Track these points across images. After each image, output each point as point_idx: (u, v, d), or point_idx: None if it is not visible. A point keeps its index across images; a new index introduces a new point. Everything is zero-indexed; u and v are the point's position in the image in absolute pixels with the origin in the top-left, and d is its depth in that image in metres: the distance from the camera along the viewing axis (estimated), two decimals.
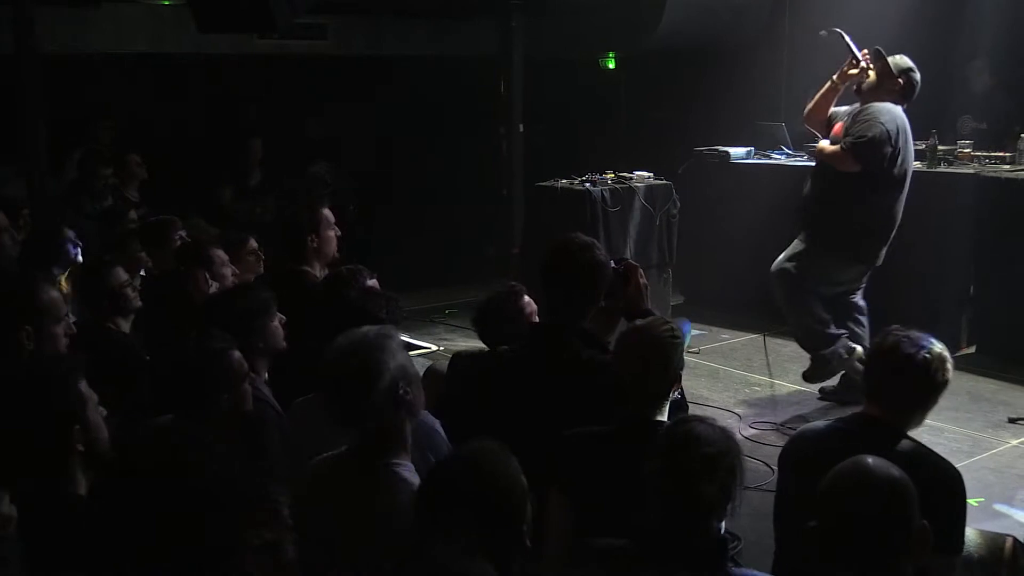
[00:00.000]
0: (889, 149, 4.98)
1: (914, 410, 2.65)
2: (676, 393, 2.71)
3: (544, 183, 6.68)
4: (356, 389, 2.32)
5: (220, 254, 4.11)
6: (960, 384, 5.46)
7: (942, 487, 2.50)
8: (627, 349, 2.69)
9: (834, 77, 5.20)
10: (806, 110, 5.35)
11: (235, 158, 7.72)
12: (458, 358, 3.53)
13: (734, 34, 8.24)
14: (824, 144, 5.18)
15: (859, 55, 5.07)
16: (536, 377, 2.99)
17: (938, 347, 2.64)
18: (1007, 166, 6.28)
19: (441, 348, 6.29)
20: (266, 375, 3.23)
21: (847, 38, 5.10)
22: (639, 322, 2.80)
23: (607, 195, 6.37)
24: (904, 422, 2.64)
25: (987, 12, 7.28)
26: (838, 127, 5.15)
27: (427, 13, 8.95)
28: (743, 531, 3.02)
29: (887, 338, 2.66)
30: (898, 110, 5.04)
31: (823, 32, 5.21)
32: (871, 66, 5.07)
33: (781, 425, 5.12)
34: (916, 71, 5.06)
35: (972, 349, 6.15)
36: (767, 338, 6.24)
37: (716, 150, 7.18)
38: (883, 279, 6.25)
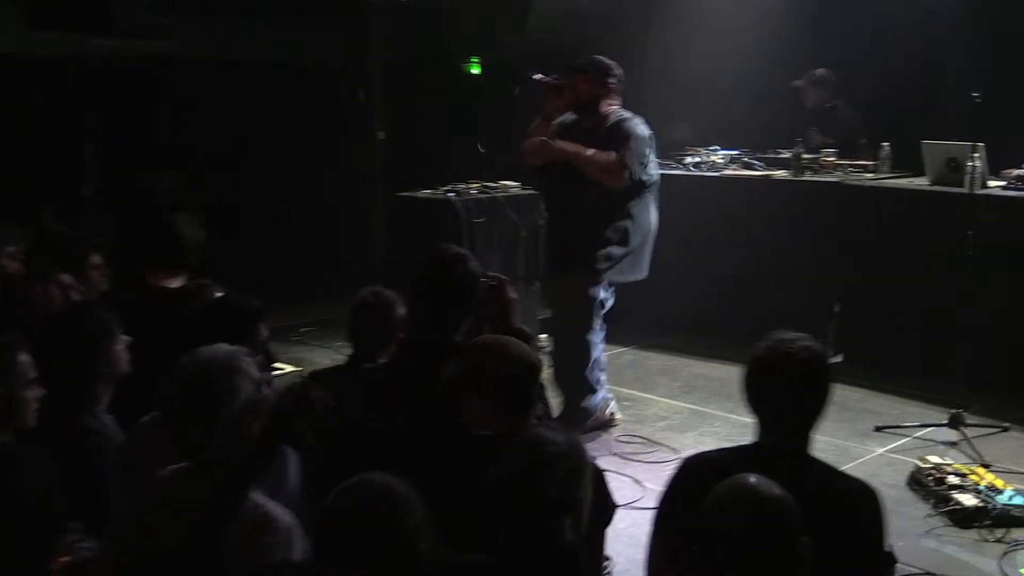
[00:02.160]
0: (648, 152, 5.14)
1: (813, 419, 2.58)
2: (539, 410, 2.75)
3: (406, 193, 6.67)
4: (198, 419, 2.25)
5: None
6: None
7: (860, 505, 2.50)
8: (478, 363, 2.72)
9: (544, 113, 5.15)
10: (525, 152, 5.24)
11: (65, 168, 7.43)
12: (315, 377, 3.49)
13: (604, 42, 8.40)
14: (584, 150, 5.04)
15: (552, 80, 5.11)
16: (402, 398, 2.98)
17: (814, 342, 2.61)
18: (870, 175, 6.61)
19: (298, 369, 6.20)
20: (107, 400, 3.13)
21: (538, 76, 5.12)
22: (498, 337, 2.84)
23: (472, 206, 6.40)
24: (803, 437, 2.58)
25: (834, 23, 7.68)
26: (564, 146, 5.10)
27: (281, 13, 8.83)
28: (615, 552, 3.07)
29: (768, 346, 2.57)
30: (631, 113, 5.17)
31: (536, 77, 5.15)
32: (570, 84, 5.09)
33: (651, 441, 5.26)
34: (616, 65, 5.17)
35: (839, 358, 6.42)
36: (637, 351, 6.38)
37: None
38: (748, 290, 6.50)
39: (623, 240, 5.14)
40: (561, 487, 2.11)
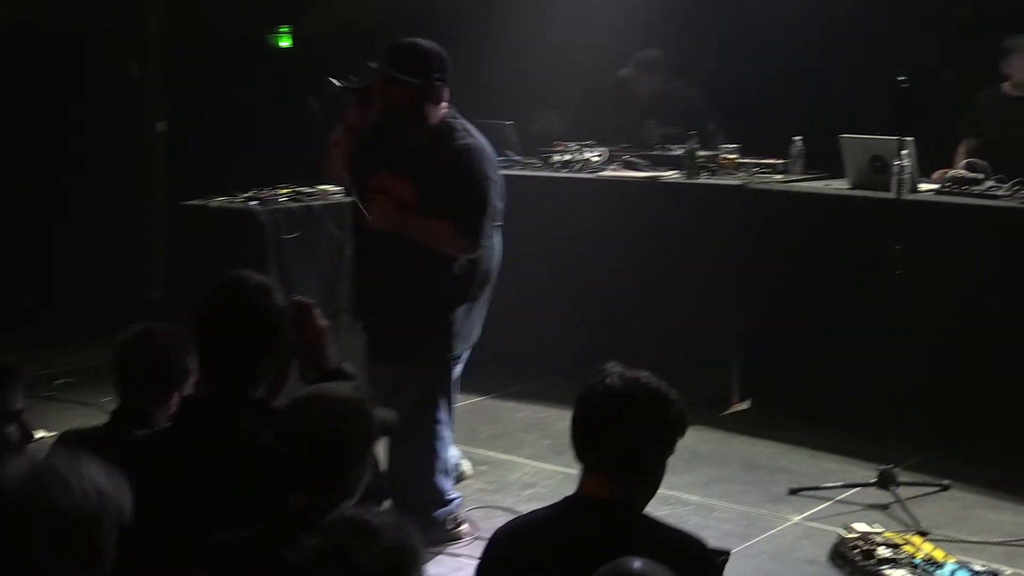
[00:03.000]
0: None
1: (646, 471, 2.71)
2: (368, 480, 2.75)
3: (194, 202, 6.57)
4: None
5: None
6: (732, 449, 5.85)
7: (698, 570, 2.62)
8: (291, 423, 2.70)
9: (346, 125, 4.88)
10: (324, 168, 5.14)
11: None
12: (68, 439, 3.40)
13: (446, 11, 8.49)
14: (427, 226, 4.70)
15: (365, 89, 4.79)
16: (184, 473, 2.94)
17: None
18: (779, 176, 6.83)
19: (51, 435, 6.00)
20: None
21: (337, 82, 4.82)
22: (313, 388, 2.82)
23: (281, 218, 6.35)
24: (635, 494, 2.71)
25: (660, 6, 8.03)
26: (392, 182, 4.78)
27: None
28: None
29: (593, 382, 2.76)
30: (467, 125, 4.82)
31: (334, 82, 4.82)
32: (382, 89, 4.74)
33: (515, 514, 5.26)
34: (437, 46, 4.78)
35: (746, 404, 6.60)
36: (495, 400, 6.40)
37: None
38: (635, 321, 6.61)
39: (467, 293, 4.88)
40: (383, 565, 2.13)
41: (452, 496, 5.03)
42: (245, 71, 9.05)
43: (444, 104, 4.78)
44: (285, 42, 8.98)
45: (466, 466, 5.48)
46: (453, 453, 5.32)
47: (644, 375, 2.72)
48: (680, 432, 2.73)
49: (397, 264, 4.80)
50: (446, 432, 4.97)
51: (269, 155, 8.50)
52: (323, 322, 3.30)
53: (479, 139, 4.80)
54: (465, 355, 5.03)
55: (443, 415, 4.94)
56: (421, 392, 4.89)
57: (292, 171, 7.15)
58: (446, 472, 5.01)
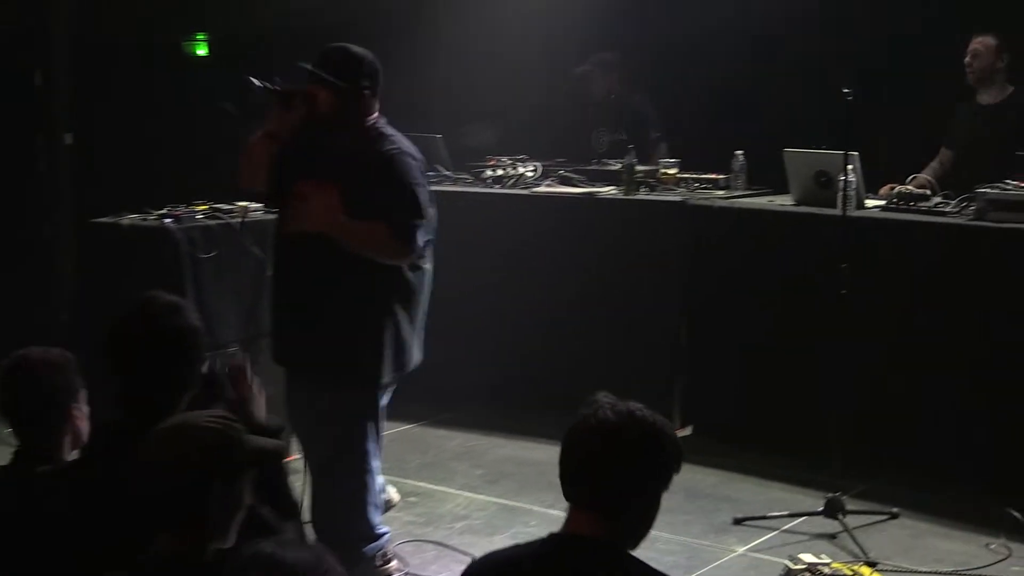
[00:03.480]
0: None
1: (638, 510, 2.67)
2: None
3: (105, 219, 6.47)
4: None
5: None
6: (675, 478, 5.83)
7: None
8: (149, 457, 2.66)
9: (267, 129, 4.79)
10: (242, 175, 4.98)
11: None
12: None
13: (371, 17, 8.47)
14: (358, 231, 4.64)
15: (288, 91, 4.74)
16: (91, 512, 2.89)
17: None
18: (721, 191, 6.88)
19: None
20: None
21: (258, 82, 4.75)
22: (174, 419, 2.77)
23: (198, 236, 6.28)
24: (626, 533, 2.67)
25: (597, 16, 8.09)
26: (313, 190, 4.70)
27: None
28: None
29: (584, 415, 2.68)
30: (399, 134, 4.81)
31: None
32: (304, 93, 4.71)
33: (446, 547, 5.26)
34: (369, 54, 4.77)
35: (688, 430, 6.61)
36: (426, 428, 6.36)
37: None
38: (572, 345, 6.61)
39: (404, 318, 4.80)
40: None
41: (381, 531, 4.96)
42: (159, 80, 8.97)
43: (375, 114, 4.76)
44: (201, 50, 8.90)
45: (392, 493, 5.41)
46: (379, 480, 5.28)
47: (637, 408, 2.67)
48: (676, 468, 2.69)
49: (320, 283, 4.71)
50: (375, 463, 4.89)
51: (185, 170, 8.42)
52: (254, 387, 3.28)
53: (410, 148, 4.76)
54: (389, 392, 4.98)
55: (371, 445, 4.86)
56: (348, 421, 4.80)
57: (210, 187, 7.09)
58: (376, 505, 4.93)
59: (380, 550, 4.94)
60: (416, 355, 4.91)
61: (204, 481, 2.61)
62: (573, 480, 2.68)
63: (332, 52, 4.74)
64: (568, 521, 2.69)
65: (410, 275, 4.74)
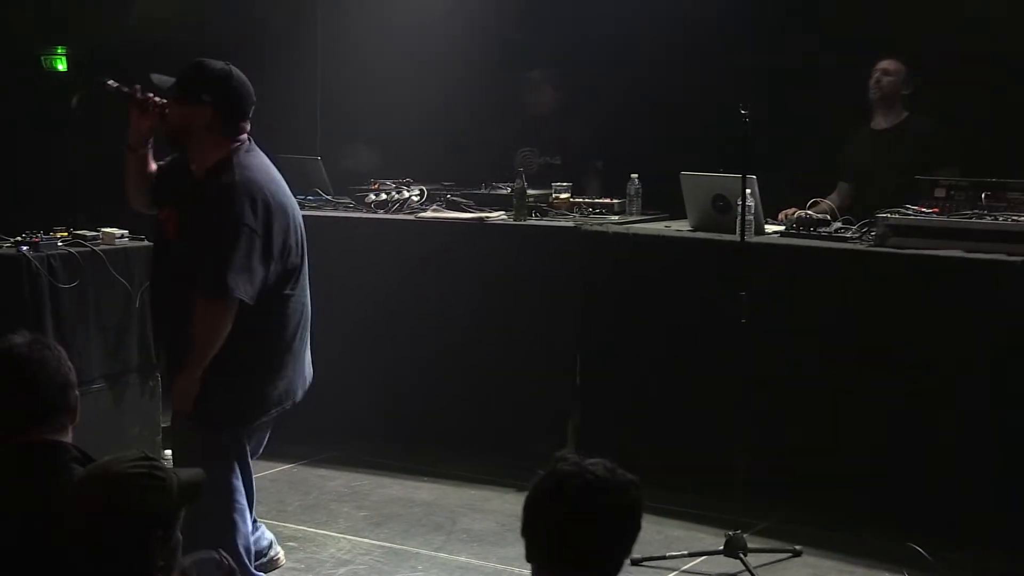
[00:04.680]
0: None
1: (602, 568, 2.76)
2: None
3: None
4: None
5: None
6: None
7: None
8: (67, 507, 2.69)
9: (129, 142, 4.88)
10: (128, 195, 5.03)
11: None
12: None
13: (250, 35, 8.47)
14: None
15: (142, 97, 4.81)
16: None
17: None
18: (615, 216, 6.97)
19: None
20: None
21: (113, 83, 4.84)
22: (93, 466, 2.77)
23: (57, 265, 6.22)
24: None
25: (551, 20, 8.22)
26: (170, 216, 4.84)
27: None
28: None
29: (541, 479, 2.77)
30: (257, 162, 4.81)
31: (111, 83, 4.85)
32: (156, 103, 4.79)
33: None
34: (233, 71, 4.78)
35: None
36: (305, 467, 6.33)
37: None
38: (459, 378, 6.65)
39: (258, 355, 4.83)
40: None
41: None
42: (15, 96, 8.86)
43: (240, 135, 4.76)
44: (60, 65, 8.81)
45: (280, 554, 5.40)
46: (267, 536, 5.28)
47: (599, 466, 2.76)
48: (639, 523, 2.81)
49: (182, 315, 4.71)
50: (240, 510, 4.89)
51: (43, 193, 8.33)
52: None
53: (257, 175, 4.72)
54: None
55: (235, 484, 4.87)
56: (207, 464, 4.79)
57: (69, 210, 7.01)
58: (247, 549, 4.93)
59: None
60: (288, 390, 4.93)
61: (120, 528, 2.61)
62: (536, 545, 2.75)
63: (189, 65, 4.75)
64: None
65: (259, 311, 4.68)
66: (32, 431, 3.28)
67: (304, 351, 5.00)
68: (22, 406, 3.31)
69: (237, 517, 4.86)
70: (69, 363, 3.47)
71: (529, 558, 2.74)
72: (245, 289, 4.58)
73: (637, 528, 2.81)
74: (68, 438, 3.32)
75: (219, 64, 4.76)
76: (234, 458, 4.87)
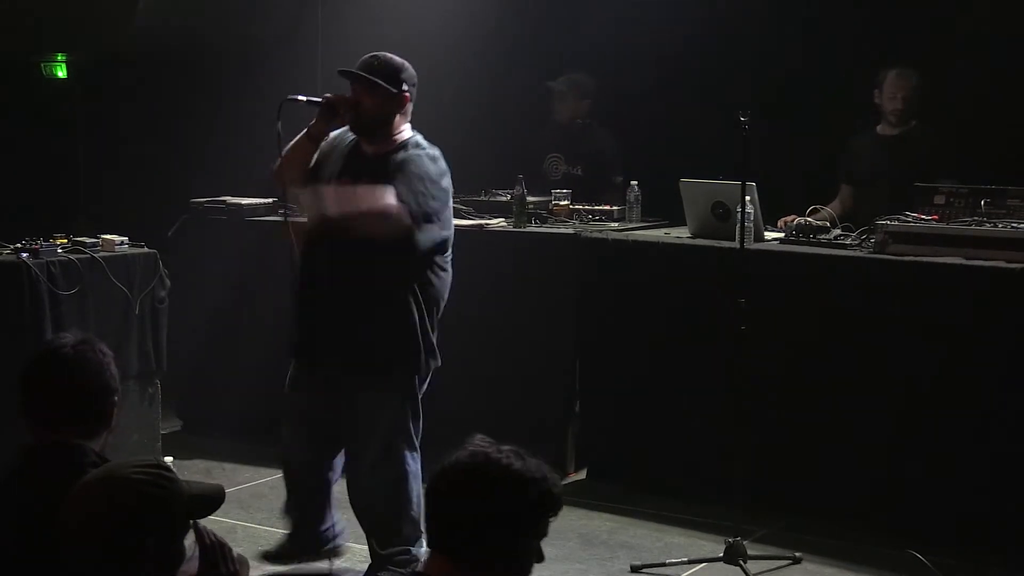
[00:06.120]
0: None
1: (494, 559, 2.72)
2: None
3: None
4: None
5: None
6: (568, 523, 5.92)
7: None
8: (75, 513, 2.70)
9: (309, 132, 5.21)
10: (281, 171, 5.23)
11: None
12: None
13: (250, 37, 8.49)
14: (359, 190, 5.02)
15: (335, 98, 5.15)
16: None
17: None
18: (615, 224, 6.99)
19: None
20: None
21: (302, 98, 5.20)
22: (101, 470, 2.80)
23: (58, 272, 6.24)
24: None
25: (581, 22, 8.17)
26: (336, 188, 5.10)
27: None
28: None
29: (449, 460, 2.78)
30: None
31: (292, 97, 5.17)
32: (350, 98, 5.13)
33: None
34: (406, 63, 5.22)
35: (582, 474, 6.69)
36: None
37: (224, 202, 7.30)
38: (459, 384, 6.65)
39: (430, 317, 5.25)
40: None
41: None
42: (15, 103, 8.88)
43: (408, 124, 5.18)
44: (60, 72, 8.82)
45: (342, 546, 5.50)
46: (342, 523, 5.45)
47: (499, 451, 2.73)
48: (542, 516, 2.73)
49: (354, 289, 5.05)
50: (416, 460, 5.18)
51: (43, 200, 8.35)
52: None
53: (437, 154, 5.15)
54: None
55: (414, 445, 5.20)
56: (393, 418, 5.16)
57: (69, 219, 7.03)
58: (418, 506, 5.15)
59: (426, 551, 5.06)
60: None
61: (132, 536, 2.63)
62: (428, 523, 2.81)
63: (378, 59, 5.14)
64: (426, 563, 2.80)
65: (435, 279, 5.19)
66: (63, 432, 3.31)
67: None
68: (56, 405, 3.35)
69: (414, 480, 5.17)
70: (113, 369, 3.50)
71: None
72: (431, 235, 5.02)
73: (506, 518, 2.70)
74: (97, 444, 3.34)
75: (397, 56, 5.17)
76: (415, 414, 5.26)
